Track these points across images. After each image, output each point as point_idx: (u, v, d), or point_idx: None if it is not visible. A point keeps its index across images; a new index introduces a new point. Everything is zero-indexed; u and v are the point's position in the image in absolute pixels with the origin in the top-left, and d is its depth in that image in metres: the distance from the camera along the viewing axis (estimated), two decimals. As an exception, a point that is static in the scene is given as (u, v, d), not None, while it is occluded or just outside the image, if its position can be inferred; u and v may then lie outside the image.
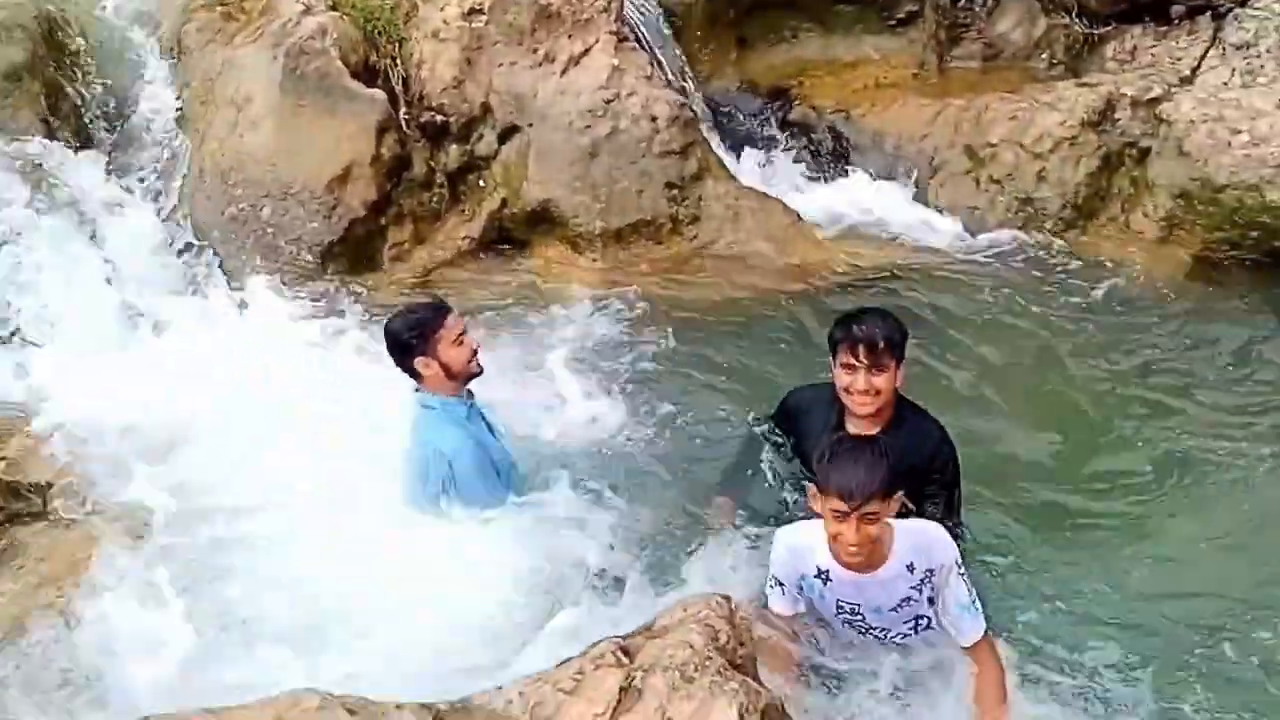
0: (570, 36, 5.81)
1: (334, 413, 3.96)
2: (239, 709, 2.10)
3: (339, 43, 5.57)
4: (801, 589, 2.99)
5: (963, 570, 2.92)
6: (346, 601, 3.26)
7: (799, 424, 3.55)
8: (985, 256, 5.76)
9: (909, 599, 2.93)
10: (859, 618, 2.99)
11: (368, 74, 5.69)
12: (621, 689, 2.20)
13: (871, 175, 6.45)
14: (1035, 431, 4.49)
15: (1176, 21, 6.39)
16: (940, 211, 6.15)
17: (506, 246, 5.75)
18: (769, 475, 3.65)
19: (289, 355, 4.56)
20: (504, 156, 5.84)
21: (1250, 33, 5.97)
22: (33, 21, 5.48)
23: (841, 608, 2.98)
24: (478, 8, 5.79)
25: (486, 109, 5.82)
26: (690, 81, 6.56)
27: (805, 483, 3.44)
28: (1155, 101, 5.97)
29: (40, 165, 5.18)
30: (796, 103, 6.91)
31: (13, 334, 4.77)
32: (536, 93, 5.78)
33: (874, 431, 3.20)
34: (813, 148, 6.73)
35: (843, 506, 2.71)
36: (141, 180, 5.56)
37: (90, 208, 5.30)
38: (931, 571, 2.90)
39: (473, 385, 3.66)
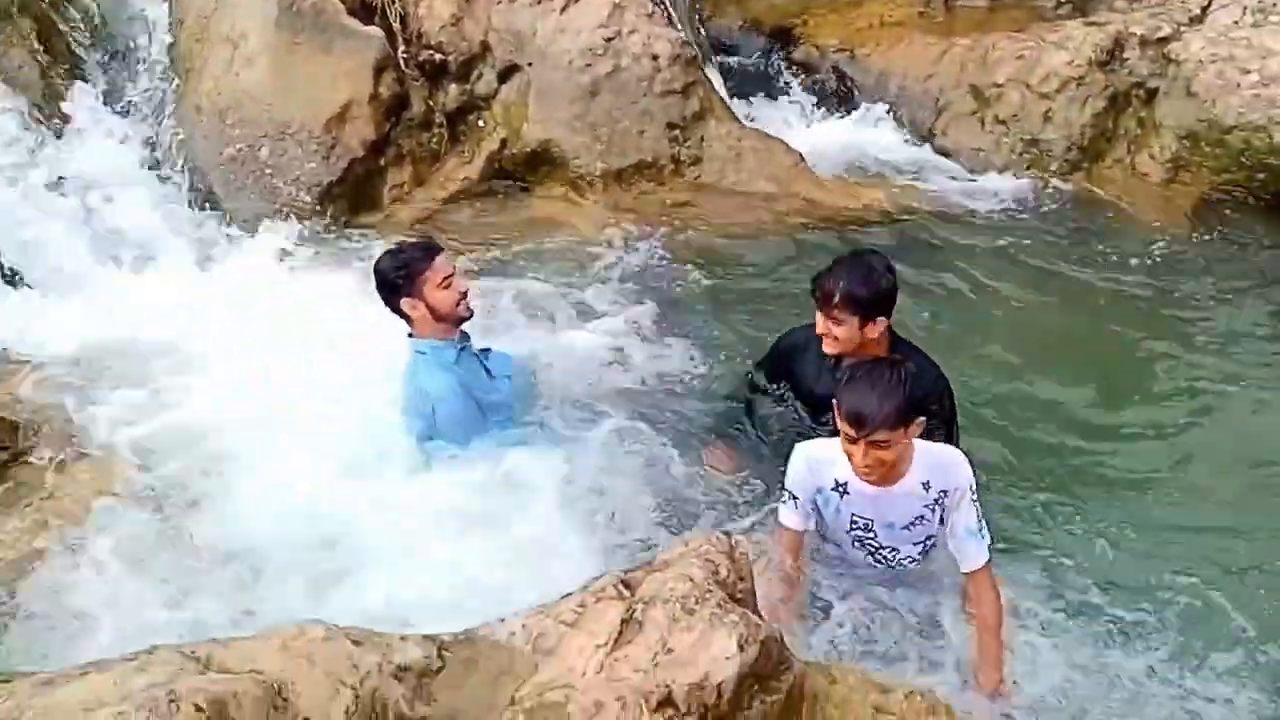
0: (570, -27, 5.71)
1: (329, 353, 3.94)
2: (245, 640, 2.13)
3: (335, -22, 5.47)
4: (816, 504, 3.01)
5: (975, 497, 2.94)
6: (346, 536, 3.28)
7: (793, 364, 3.58)
8: (990, 197, 5.73)
9: (921, 517, 2.96)
10: (871, 534, 3.02)
11: (364, 11, 5.59)
12: (623, 621, 2.22)
13: (876, 115, 6.39)
14: (1038, 371, 4.48)
15: (1188, -41, 6.28)
16: (945, 153, 6.12)
17: (507, 187, 5.70)
18: (761, 419, 3.69)
19: (285, 294, 4.55)
20: (503, 96, 5.77)
21: (1262, -30, 5.86)
22: (23, -42, 5.38)
23: (855, 523, 3.00)
24: (476, -57, 5.70)
25: (485, 47, 5.74)
26: (693, 19, 6.45)
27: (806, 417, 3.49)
28: (1164, 41, 5.90)
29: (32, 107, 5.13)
30: (800, 42, 6.84)
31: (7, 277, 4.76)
32: (536, 31, 5.69)
33: None
34: (816, 87, 6.66)
35: (851, 432, 2.72)
36: (135, 119, 5.50)
37: (81, 147, 5.25)
38: (946, 493, 2.93)
39: (473, 324, 3.65)
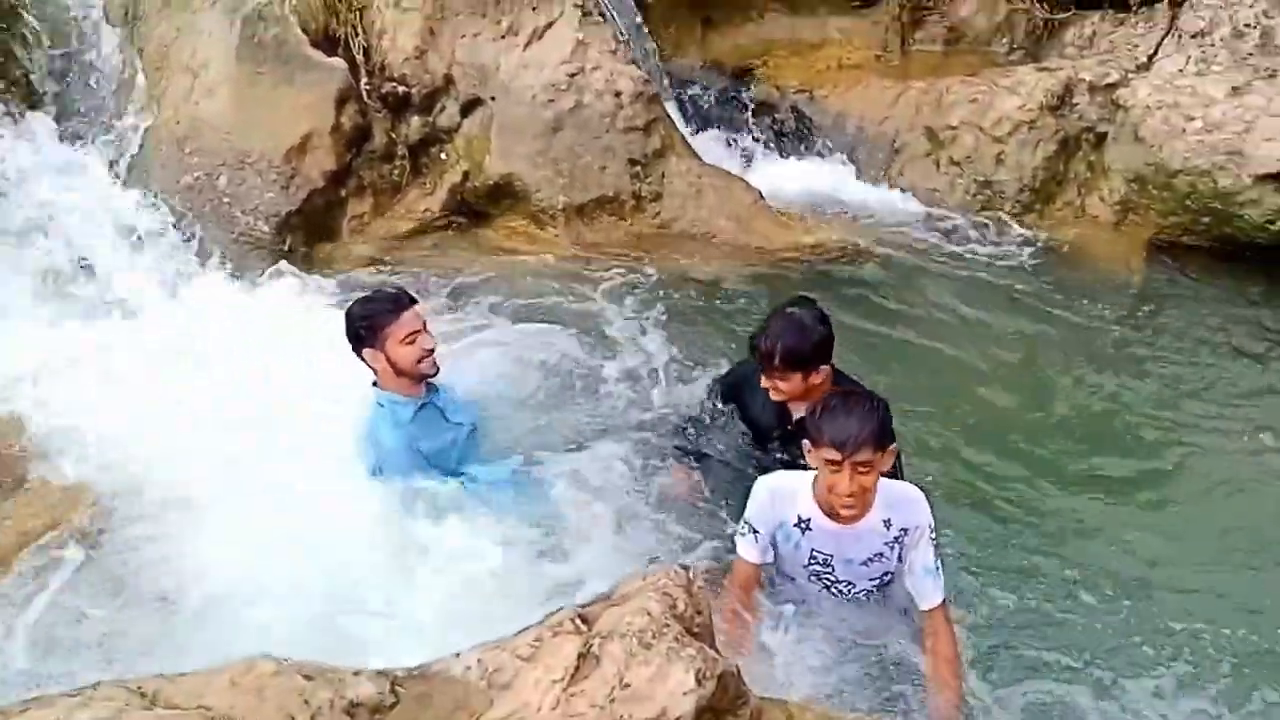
0: (534, 9, 5.76)
1: (284, 387, 3.90)
2: (193, 674, 2.08)
3: (298, 10, 5.48)
4: (776, 539, 3.02)
5: (934, 536, 2.97)
6: (299, 571, 3.23)
7: (743, 395, 3.66)
8: (944, 238, 5.83)
9: (880, 554, 2.98)
10: (829, 569, 3.02)
11: (328, 42, 5.61)
12: (580, 655, 2.19)
13: (833, 155, 6.49)
14: (987, 411, 4.55)
15: (1135, 9, 6.48)
16: (901, 192, 6.22)
17: (467, 220, 5.71)
18: (709, 440, 3.73)
19: (241, 328, 4.50)
20: (466, 129, 5.79)
21: (1206, 21, 6.05)
22: (-22, -16, 5.34)
23: (814, 558, 3.01)
24: (440, -23, 5.73)
25: (449, 80, 5.76)
26: (654, 58, 6.53)
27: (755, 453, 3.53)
28: (1112, 87, 6.05)
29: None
30: (760, 82, 6.92)
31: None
32: (500, 65, 5.73)
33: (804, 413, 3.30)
34: (776, 127, 6.75)
35: (836, 456, 2.74)
36: (91, 146, 5.44)
37: (38, 175, 5.19)
38: (906, 531, 2.95)
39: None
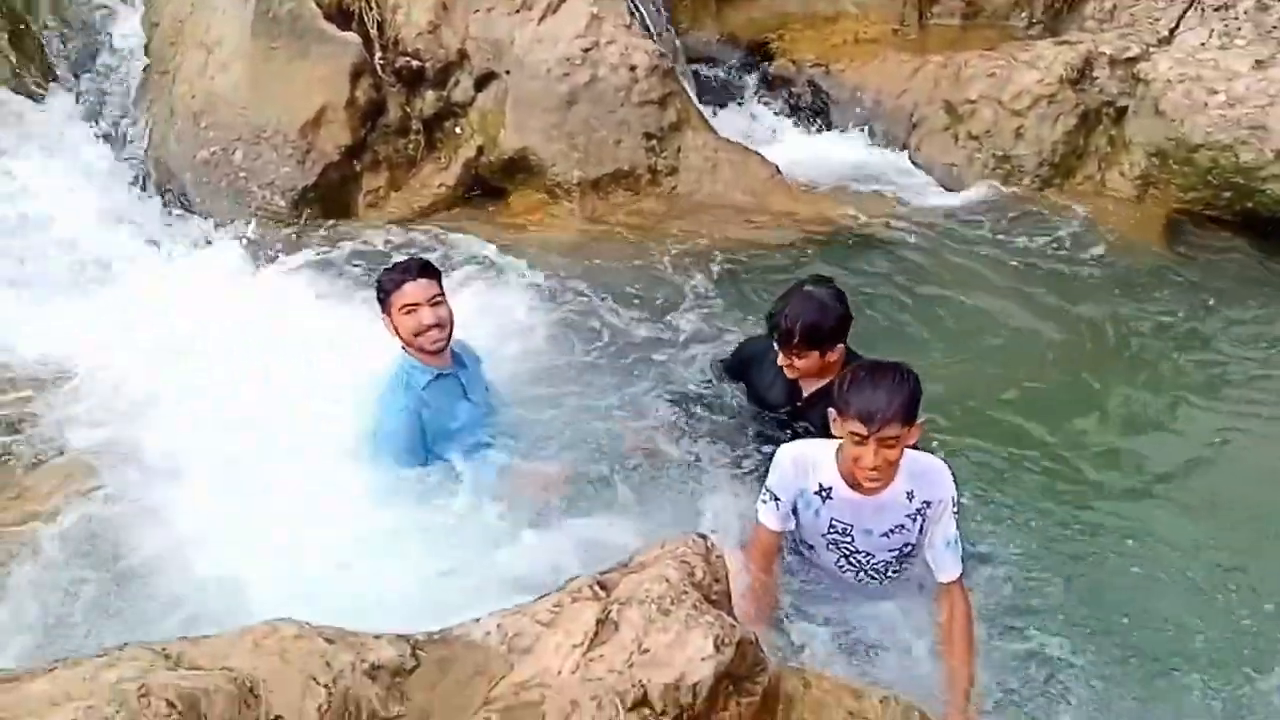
0: (549, -18, 5.73)
1: (297, 359, 3.91)
2: (216, 637, 2.09)
3: (312, -17, 5.47)
4: (797, 505, 3.01)
5: (956, 509, 2.96)
6: (319, 536, 3.25)
7: (750, 372, 3.70)
8: (962, 212, 5.78)
9: (901, 526, 2.97)
10: (847, 539, 3.02)
11: (342, 17, 5.59)
12: (598, 621, 2.20)
13: (850, 130, 6.44)
14: (1008, 386, 4.52)
15: (1156, -19, 6.40)
16: (918, 167, 6.17)
17: (483, 194, 5.70)
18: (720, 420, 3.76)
19: (255, 300, 4.52)
20: (481, 104, 5.77)
21: (1229, -7, 5.98)
22: (-6, -40, 5.35)
23: (833, 526, 3.00)
24: (454, -49, 5.71)
25: (463, 55, 5.75)
26: (669, 31, 6.50)
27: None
28: (1133, 61, 5.99)
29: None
30: (776, 56, 6.88)
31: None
32: (514, 39, 5.71)
33: (815, 389, 3.36)
34: (792, 101, 6.71)
35: (861, 430, 2.72)
36: (107, 121, 5.46)
37: (55, 148, 5.21)
38: (929, 504, 2.93)
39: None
